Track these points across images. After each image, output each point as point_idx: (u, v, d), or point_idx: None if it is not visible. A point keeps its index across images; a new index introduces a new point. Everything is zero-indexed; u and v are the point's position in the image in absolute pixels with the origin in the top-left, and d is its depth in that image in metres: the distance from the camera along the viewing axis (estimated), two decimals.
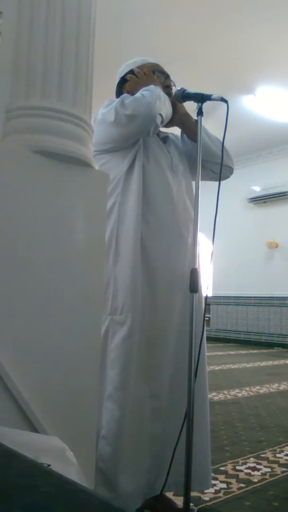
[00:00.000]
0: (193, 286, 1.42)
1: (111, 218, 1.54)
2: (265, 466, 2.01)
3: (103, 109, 1.58)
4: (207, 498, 1.67)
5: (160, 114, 1.53)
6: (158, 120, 1.53)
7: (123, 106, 1.50)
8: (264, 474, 1.93)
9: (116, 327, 1.48)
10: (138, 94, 1.55)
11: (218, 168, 1.61)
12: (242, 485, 1.80)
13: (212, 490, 1.71)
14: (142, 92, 1.54)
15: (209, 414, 1.62)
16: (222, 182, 1.60)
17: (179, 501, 1.54)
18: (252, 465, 2.03)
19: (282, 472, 1.96)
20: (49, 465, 0.71)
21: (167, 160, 1.66)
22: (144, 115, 1.49)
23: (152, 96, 1.50)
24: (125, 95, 1.58)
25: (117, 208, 1.55)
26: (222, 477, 1.87)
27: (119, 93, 1.74)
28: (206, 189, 1.72)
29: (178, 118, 1.70)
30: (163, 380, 1.53)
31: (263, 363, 5.73)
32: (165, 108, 1.56)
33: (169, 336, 1.55)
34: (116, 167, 1.57)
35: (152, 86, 1.57)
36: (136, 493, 1.45)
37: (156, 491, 1.49)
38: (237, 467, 1.99)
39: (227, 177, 1.76)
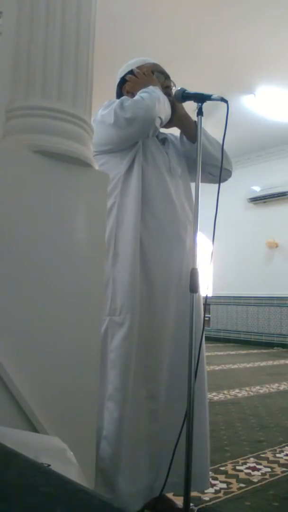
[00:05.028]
0: (193, 286, 1.42)
1: (110, 219, 1.53)
2: (265, 466, 2.01)
3: (102, 111, 1.57)
4: (207, 498, 1.67)
5: (159, 117, 1.52)
6: (157, 123, 1.52)
7: (123, 109, 1.50)
8: (264, 474, 1.93)
9: (115, 328, 1.48)
10: (137, 97, 1.54)
11: (216, 170, 1.61)
12: (242, 485, 1.80)
13: (212, 490, 1.71)
14: (141, 94, 1.53)
15: (208, 415, 1.62)
16: (221, 183, 1.59)
17: (179, 501, 1.54)
18: (252, 465, 2.03)
19: (282, 472, 1.96)
20: (49, 465, 0.72)
21: (165, 162, 1.65)
22: (143, 118, 1.48)
23: (152, 99, 1.50)
24: (124, 97, 1.58)
25: (116, 209, 1.54)
26: (222, 477, 1.87)
27: (119, 93, 1.74)
28: (206, 189, 1.72)
29: (177, 118, 1.69)
30: (160, 381, 1.53)
31: (263, 363, 5.72)
32: (164, 110, 1.56)
33: (167, 337, 1.55)
34: (115, 168, 1.57)
35: (151, 88, 1.56)
36: (135, 494, 1.44)
37: (156, 493, 1.48)
38: (237, 467, 1.99)
39: (225, 180, 1.74)
